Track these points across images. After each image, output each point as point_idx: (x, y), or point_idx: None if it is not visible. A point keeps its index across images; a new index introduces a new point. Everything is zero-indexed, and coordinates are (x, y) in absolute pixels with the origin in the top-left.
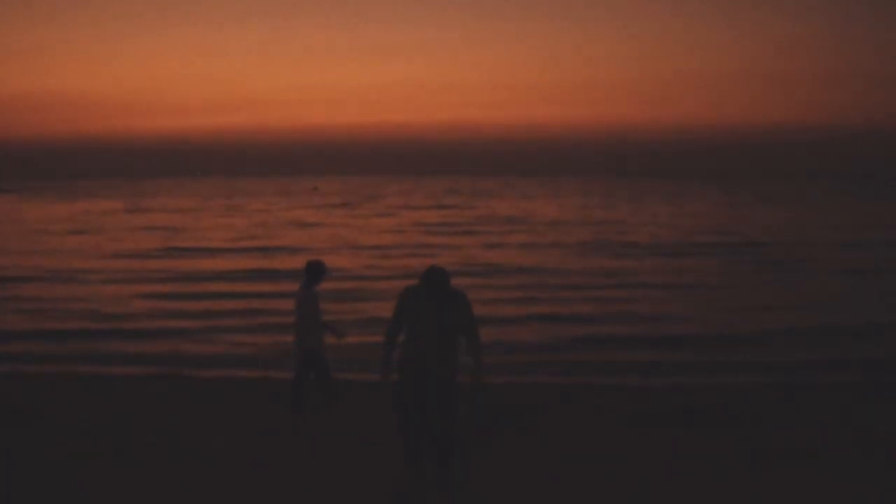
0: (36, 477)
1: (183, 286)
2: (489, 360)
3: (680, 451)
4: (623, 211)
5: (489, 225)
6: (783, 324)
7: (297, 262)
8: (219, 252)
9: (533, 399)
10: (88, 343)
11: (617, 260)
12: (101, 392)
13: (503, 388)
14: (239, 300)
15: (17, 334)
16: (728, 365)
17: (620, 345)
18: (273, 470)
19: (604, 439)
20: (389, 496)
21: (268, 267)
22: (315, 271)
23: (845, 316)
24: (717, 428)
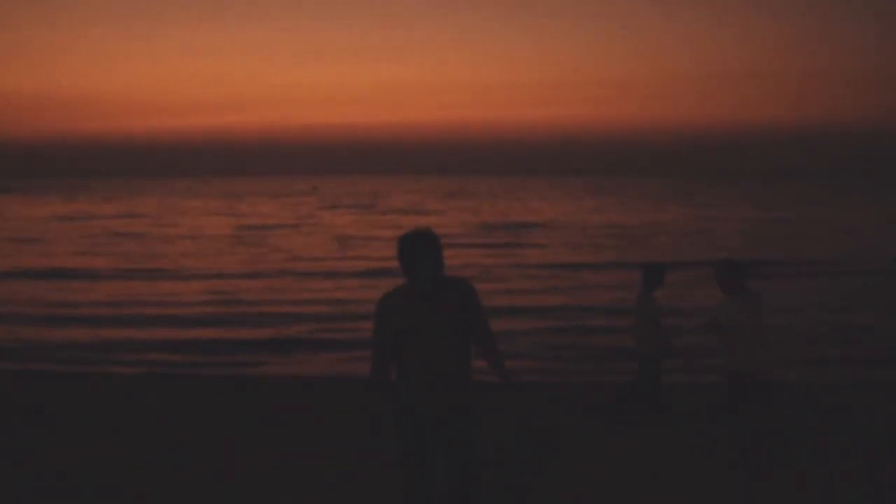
0: (36, 477)
1: None
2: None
3: (678, 451)
4: (647, 214)
5: (512, 233)
6: None
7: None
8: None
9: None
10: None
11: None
12: (100, 391)
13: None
14: None
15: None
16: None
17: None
18: (276, 471)
19: (602, 439)
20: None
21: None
22: (653, 274)
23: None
24: (714, 427)
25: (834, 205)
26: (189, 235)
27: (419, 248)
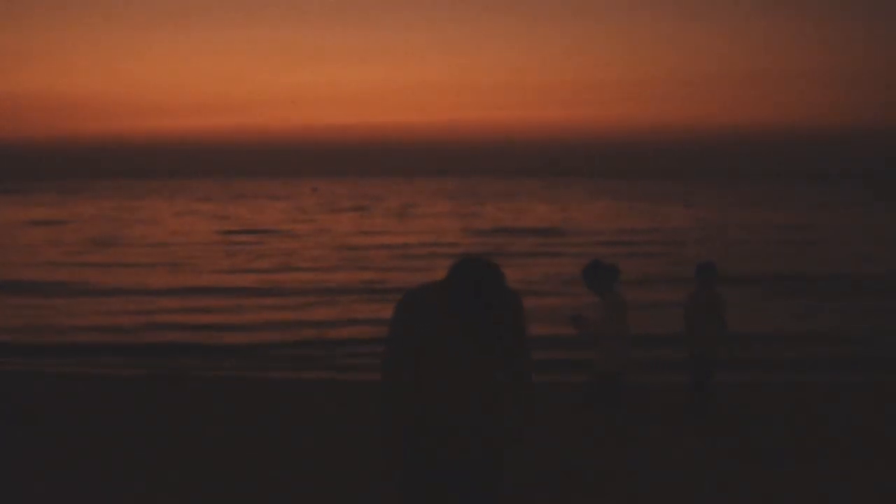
0: (35, 478)
1: None
2: None
3: (677, 450)
4: (677, 218)
5: (532, 240)
6: None
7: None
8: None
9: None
10: None
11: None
12: (102, 391)
13: None
14: None
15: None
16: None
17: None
18: (279, 471)
19: (602, 438)
20: None
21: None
22: (706, 272)
23: None
24: (714, 427)
25: (845, 208)
26: (179, 241)
27: (487, 284)
